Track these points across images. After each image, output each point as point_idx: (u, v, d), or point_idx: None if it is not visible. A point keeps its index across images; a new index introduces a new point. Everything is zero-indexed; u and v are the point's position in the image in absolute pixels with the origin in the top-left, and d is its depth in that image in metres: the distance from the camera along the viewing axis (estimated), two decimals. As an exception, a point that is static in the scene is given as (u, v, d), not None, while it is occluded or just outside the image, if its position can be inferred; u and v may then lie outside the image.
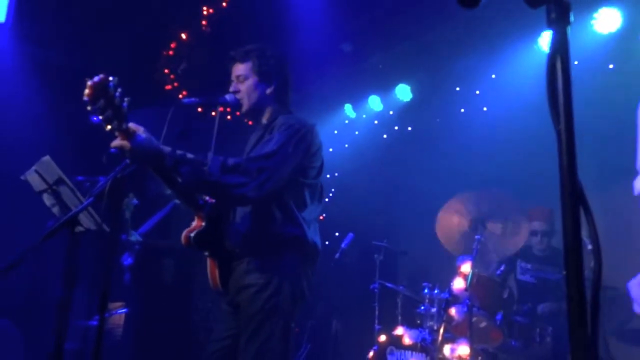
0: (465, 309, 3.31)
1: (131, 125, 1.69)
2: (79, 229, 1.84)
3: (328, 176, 5.06)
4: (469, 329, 3.21)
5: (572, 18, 0.77)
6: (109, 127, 1.60)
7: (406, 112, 5.16)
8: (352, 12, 4.48)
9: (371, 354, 3.73)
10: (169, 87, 5.05)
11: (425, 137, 5.20)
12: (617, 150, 4.06)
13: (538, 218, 3.83)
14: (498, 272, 3.77)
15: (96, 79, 1.53)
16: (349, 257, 4.39)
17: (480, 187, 4.73)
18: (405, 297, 4.08)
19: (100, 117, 1.56)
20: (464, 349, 3.24)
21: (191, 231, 1.96)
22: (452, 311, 3.45)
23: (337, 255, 4.21)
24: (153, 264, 3.99)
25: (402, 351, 3.57)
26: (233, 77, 2.18)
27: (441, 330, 3.33)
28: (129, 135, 1.66)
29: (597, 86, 3.73)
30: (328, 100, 5.31)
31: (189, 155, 1.82)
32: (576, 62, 3.46)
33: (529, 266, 3.89)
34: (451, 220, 3.68)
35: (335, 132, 5.58)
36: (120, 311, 3.98)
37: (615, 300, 3.85)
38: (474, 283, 3.32)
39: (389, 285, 4.13)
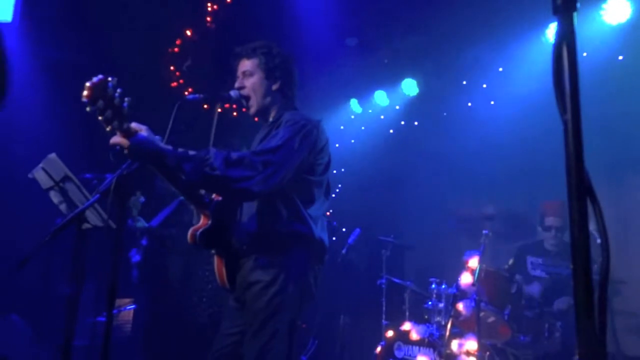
0: (472, 304, 3.29)
1: (133, 125, 1.69)
2: (86, 225, 1.85)
3: (335, 172, 5.04)
4: (476, 324, 3.20)
5: (578, 4, 0.76)
6: (109, 127, 1.60)
7: (412, 106, 5.13)
8: (357, 6, 4.46)
9: (379, 349, 3.73)
10: (174, 84, 5.06)
11: (432, 132, 5.17)
12: (627, 143, 4.01)
13: (553, 213, 3.76)
14: (505, 266, 3.75)
15: (95, 79, 1.53)
16: (355, 253, 4.38)
17: (488, 181, 4.71)
18: (412, 293, 4.07)
19: (100, 118, 1.56)
20: (471, 344, 3.23)
21: (197, 229, 1.96)
22: (460, 306, 3.43)
23: (344, 251, 4.21)
24: (161, 260, 4.01)
25: (410, 346, 3.57)
26: (239, 73, 2.18)
27: (449, 326, 3.32)
28: (130, 134, 1.67)
29: (606, 78, 3.68)
30: (334, 96, 5.30)
31: (191, 153, 1.82)
32: (585, 54, 3.41)
33: (539, 261, 3.85)
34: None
35: (342, 127, 5.57)
36: (129, 307, 4.01)
37: (625, 294, 3.81)
38: (481, 278, 3.30)
39: (396, 280, 4.12)
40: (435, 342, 3.44)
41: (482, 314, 3.31)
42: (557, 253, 3.80)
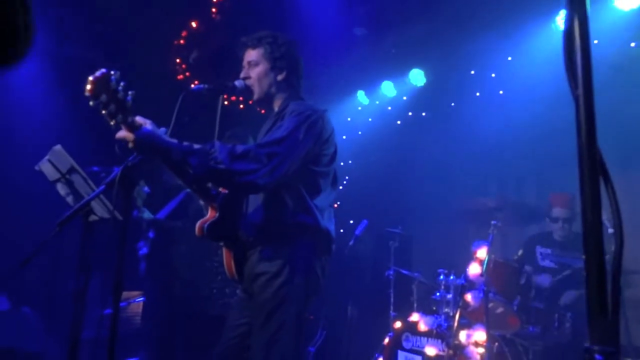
0: (481, 294, 3.27)
1: (138, 118, 1.69)
2: (93, 217, 1.85)
3: (342, 164, 5.03)
4: (485, 315, 3.18)
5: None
6: (112, 122, 1.59)
7: (420, 97, 5.08)
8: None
9: (387, 340, 3.73)
10: (181, 76, 5.05)
11: (440, 122, 5.13)
12: (639, 130, 3.95)
13: (560, 204, 3.75)
14: (514, 256, 3.72)
15: (97, 73, 1.52)
16: (363, 244, 4.37)
17: (497, 171, 4.66)
18: (420, 284, 4.06)
19: (103, 112, 1.55)
20: (480, 335, 3.21)
21: (205, 222, 1.96)
22: (468, 297, 3.41)
23: (351, 242, 4.20)
24: (168, 252, 4.03)
25: (418, 337, 3.56)
26: (244, 63, 2.16)
27: (457, 317, 3.30)
28: (134, 128, 1.67)
29: (618, 65, 3.61)
30: (341, 87, 5.26)
31: (196, 146, 1.81)
32: (596, 41, 3.34)
33: (548, 251, 3.82)
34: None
35: (349, 119, 5.54)
36: (137, 300, 4.04)
37: (636, 284, 3.76)
38: (490, 268, 3.28)
39: (404, 271, 4.11)
40: (443, 333, 3.42)
41: (490, 304, 3.28)
42: (566, 244, 3.77)
